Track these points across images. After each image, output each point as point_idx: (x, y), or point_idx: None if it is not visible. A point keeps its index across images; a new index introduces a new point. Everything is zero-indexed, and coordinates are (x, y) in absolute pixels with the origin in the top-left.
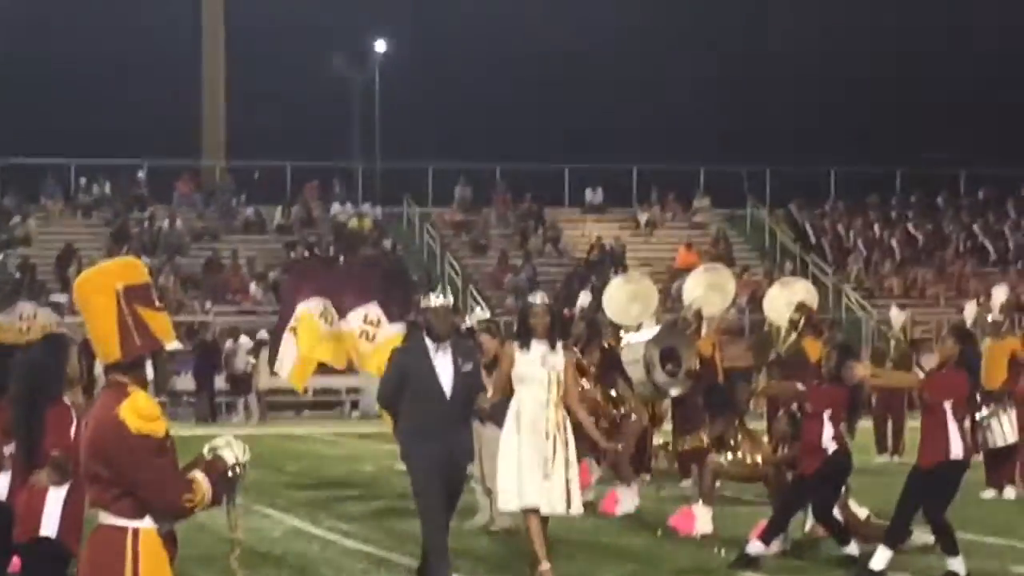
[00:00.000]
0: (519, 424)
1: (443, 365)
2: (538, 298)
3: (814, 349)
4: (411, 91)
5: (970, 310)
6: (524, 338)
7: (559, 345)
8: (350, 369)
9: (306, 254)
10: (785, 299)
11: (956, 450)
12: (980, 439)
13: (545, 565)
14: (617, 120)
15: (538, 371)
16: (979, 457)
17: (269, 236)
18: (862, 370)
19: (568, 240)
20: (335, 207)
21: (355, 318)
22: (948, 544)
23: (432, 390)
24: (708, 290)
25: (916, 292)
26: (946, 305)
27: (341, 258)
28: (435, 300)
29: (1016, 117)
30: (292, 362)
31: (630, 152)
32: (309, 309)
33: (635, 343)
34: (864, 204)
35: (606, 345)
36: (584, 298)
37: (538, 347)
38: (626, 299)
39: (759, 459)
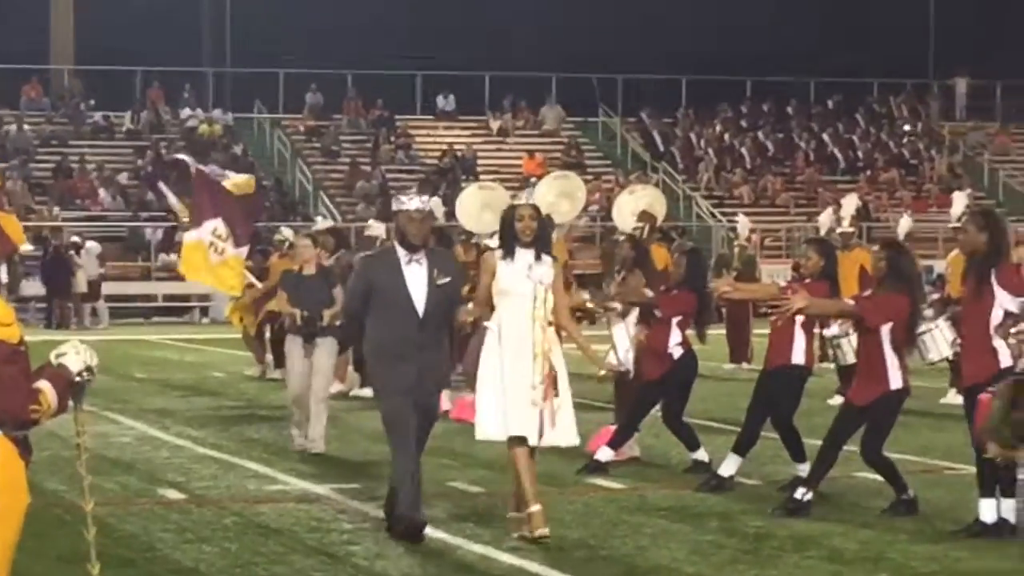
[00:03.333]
0: (501, 345)
1: (416, 278)
2: (525, 198)
3: (660, 256)
4: None
5: (825, 219)
6: (508, 245)
7: (545, 256)
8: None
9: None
10: (632, 207)
11: (798, 356)
12: (831, 355)
13: (536, 507)
14: (469, 27)
15: (523, 284)
16: (830, 366)
17: (118, 141)
18: (724, 286)
19: (419, 147)
20: (185, 112)
21: (207, 229)
22: (795, 450)
23: (402, 306)
24: (558, 197)
25: (766, 200)
26: (796, 214)
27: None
28: (409, 203)
29: (867, 27)
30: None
31: (482, 59)
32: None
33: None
34: (715, 112)
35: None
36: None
37: (524, 256)
38: (478, 207)
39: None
